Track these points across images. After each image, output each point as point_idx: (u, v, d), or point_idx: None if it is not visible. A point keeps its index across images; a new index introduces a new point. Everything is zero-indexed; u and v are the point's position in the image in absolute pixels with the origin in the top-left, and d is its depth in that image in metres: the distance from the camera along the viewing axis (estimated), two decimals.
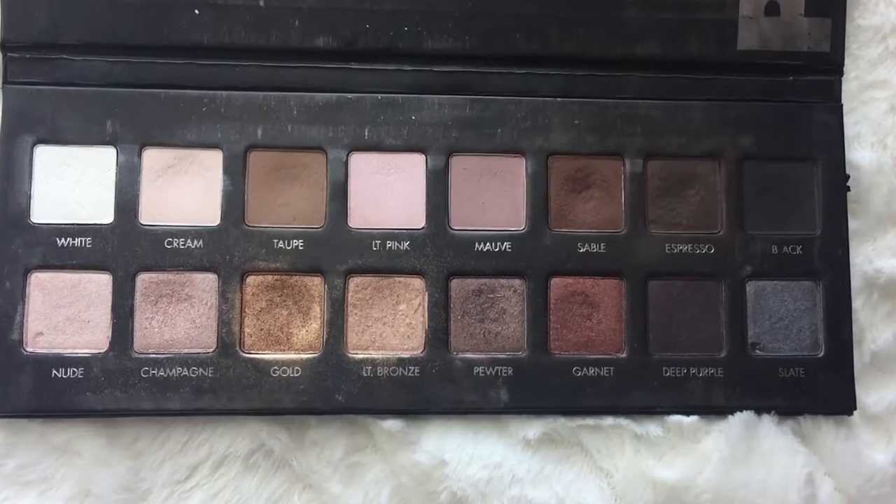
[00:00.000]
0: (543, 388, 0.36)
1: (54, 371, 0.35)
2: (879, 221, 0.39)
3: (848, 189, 0.38)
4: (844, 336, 0.37)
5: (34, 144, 0.35)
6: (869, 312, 0.38)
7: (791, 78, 0.38)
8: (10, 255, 0.35)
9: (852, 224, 0.38)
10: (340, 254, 0.36)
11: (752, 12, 0.38)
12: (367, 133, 0.37)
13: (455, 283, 0.36)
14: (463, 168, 0.37)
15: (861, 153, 0.39)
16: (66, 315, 0.35)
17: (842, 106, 0.38)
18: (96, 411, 0.35)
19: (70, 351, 0.35)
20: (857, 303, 0.38)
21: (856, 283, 0.38)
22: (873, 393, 0.38)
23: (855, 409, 0.37)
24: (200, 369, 0.35)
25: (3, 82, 0.36)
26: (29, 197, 0.35)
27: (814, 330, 0.37)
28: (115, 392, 0.35)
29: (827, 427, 0.37)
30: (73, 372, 0.35)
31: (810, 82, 0.38)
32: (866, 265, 0.38)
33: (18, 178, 0.35)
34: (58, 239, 0.35)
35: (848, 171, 0.38)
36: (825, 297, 0.37)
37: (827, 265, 0.37)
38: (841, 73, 0.38)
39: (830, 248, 0.37)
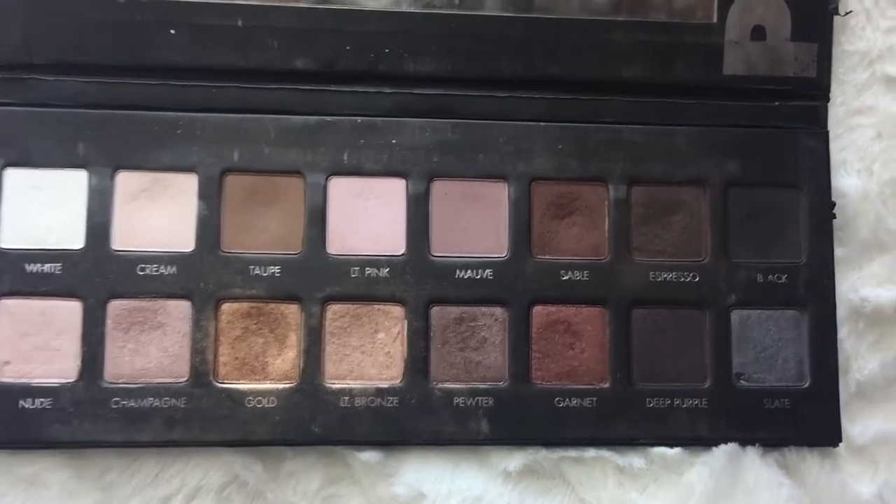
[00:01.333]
0: (525, 419, 0.35)
1: (21, 402, 0.34)
2: (865, 249, 0.38)
3: (834, 216, 0.37)
4: (830, 366, 0.37)
5: (3, 167, 0.35)
6: (855, 341, 0.38)
7: (777, 103, 0.38)
8: None
9: (838, 252, 0.38)
10: (318, 281, 0.35)
11: (738, 37, 0.37)
12: (346, 157, 0.36)
13: (435, 311, 0.36)
14: (444, 193, 0.36)
15: (847, 180, 0.38)
16: (34, 343, 0.34)
17: (828, 132, 0.38)
18: (65, 443, 0.34)
19: (38, 380, 0.34)
20: (843, 332, 0.38)
21: (841, 311, 0.38)
22: (859, 423, 0.38)
23: (840, 440, 0.37)
24: (173, 399, 0.34)
25: None
26: None
27: (799, 360, 0.37)
28: (84, 423, 0.34)
29: (812, 459, 0.37)
30: (41, 402, 0.34)
31: (796, 108, 0.38)
32: (852, 293, 0.38)
33: None
34: (26, 265, 0.34)
35: (834, 198, 0.38)
36: (811, 327, 0.37)
37: (812, 294, 0.37)
38: (827, 99, 0.38)
39: (816, 276, 0.37)
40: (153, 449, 0.35)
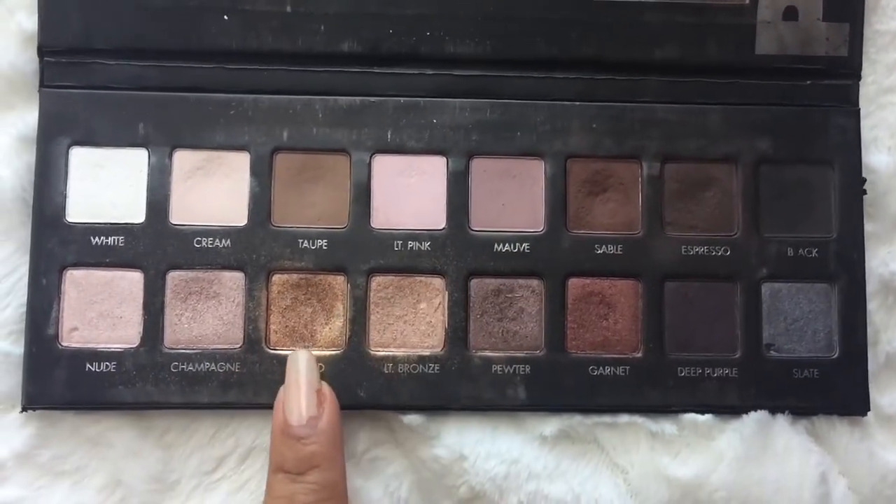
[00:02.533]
0: (560, 387, 0.37)
1: (88, 365, 0.36)
2: (895, 225, 0.39)
3: (864, 192, 0.38)
4: (859, 338, 0.37)
5: (69, 146, 0.37)
6: (884, 315, 0.39)
7: (809, 82, 0.38)
8: (46, 254, 0.36)
9: (868, 227, 0.38)
10: (363, 253, 0.37)
11: (771, 17, 0.38)
12: (389, 136, 0.37)
13: (474, 283, 0.37)
14: (483, 170, 0.38)
15: (878, 157, 0.39)
16: (99, 311, 0.36)
17: (859, 110, 0.38)
18: (128, 404, 0.36)
19: (103, 346, 0.36)
20: (873, 305, 0.38)
21: (871, 285, 0.38)
22: (888, 394, 0.38)
23: (868, 409, 0.37)
24: (228, 364, 0.36)
25: (41, 86, 0.37)
26: (64, 197, 0.36)
27: (828, 332, 0.37)
28: (146, 386, 0.36)
29: (841, 427, 0.38)
30: (106, 366, 0.36)
31: (828, 86, 0.38)
32: (882, 268, 0.39)
33: (54, 179, 0.36)
34: (92, 238, 0.36)
35: (865, 175, 0.38)
36: (840, 300, 0.37)
37: (842, 268, 0.37)
38: (859, 78, 0.39)
39: (846, 251, 0.38)
40: (210, 410, 0.36)
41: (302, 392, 0.33)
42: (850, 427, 0.38)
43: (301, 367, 0.33)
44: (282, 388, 0.34)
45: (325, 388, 0.33)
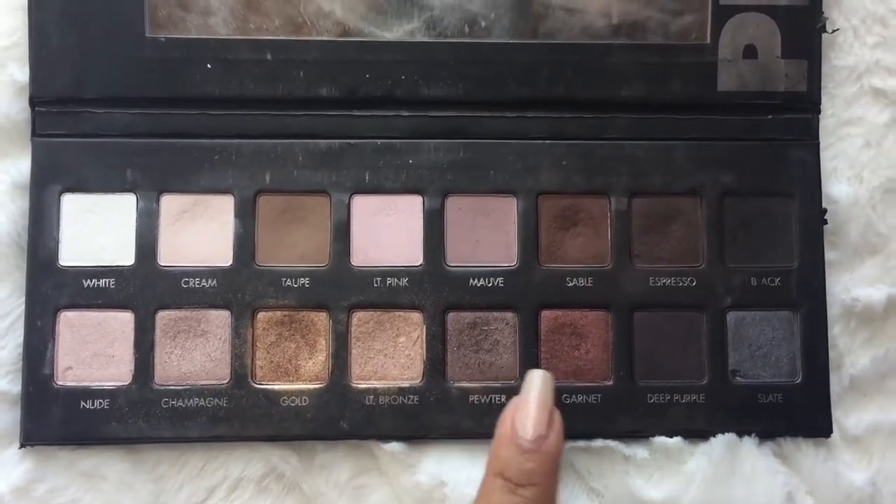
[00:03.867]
0: None
1: (82, 402, 0.37)
2: (856, 252, 0.40)
3: (825, 222, 0.40)
4: (821, 363, 0.39)
5: (61, 193, 0.38)
6: (847, 339, 0.40)
7: (770, 117, 0.40)
8: (41, 296, 0.37)
9: (830, 255, 0.40)
10: (344, 290, 0.38)
11: (731, 55, 0.39)
12: (367, 177, 0.39)
13: (451, 317, 0.39)
14: (458, 208, 0.39)
15: (838, 187, 0.40)
16: (92, 351, 0.38)
17: (819, 143, 0.40)
18: (121, 439, 0.37)
19: (96, 384, 0.37)
20: (836, 330, 0.40)
21: (835, 311, 0.40)
22: (853, 415, 0.40)
23: (831, 431, 0.39)
24: (216, 399, 0.38)
25: (32, 135, 0.38)
26: (57, 242, 0.38)
27: (791, 357, 0.39)
28: (138, 421, 0.37)
29: (806, 448, 0.39)
30: (100, 403, 0.37)
31: (788, 120, 0.40)
32: (844, 294, 0.40)
33: (47, 225, 0.38)
34: (84, 280, 0.38)
35: (825, 205, 0.40)
36: (802, 326, 0.39)
37: (804, 296, 0.39)
38: (818, 112, 0.40)
39: (807, 279, 0.39)
40: (199, 444, 0.38)
41: (535, 408, 0.33)
42: (816, 448, 0.39)
43: (538, 385, 0.34)
44: (514, 399, 0.34)
45: (557, 413, 0.34)
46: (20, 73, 0.39)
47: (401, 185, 0.39)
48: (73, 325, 0.38)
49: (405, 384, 0.38)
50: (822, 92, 0.40)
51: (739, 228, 0.39)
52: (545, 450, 0.33)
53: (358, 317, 0.38)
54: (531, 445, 0.32)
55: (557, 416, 0.34)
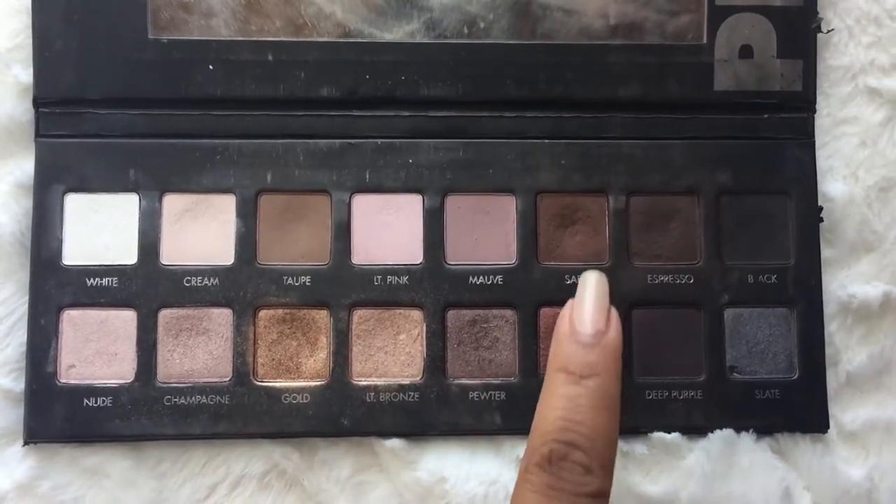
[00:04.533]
0: (535, 410, 0.38)
1: (85, 400, 0.38)
2: (852, 249, 0.41)
3: (821, 220, 0.40)
4: (817, 359, 0.39)
5: (64, 193, 0.38)
6: (844, 335, 0.40)
7: (766, 116, 0.40)
8: (44, 295, 0.38)
9: (827, 253, 0.40)
10: (344, 288, 0.39)
11: (727, 55, 0.40)
12: (368, 176, 0.39)
13: (451, 315, 0.39)
14: (457, 207, 0.39)
15: (834, 185, 0.41)
16: (95, 349, 0.38)
17: (814, 142, 0.40)
18: (124, 436, 0.38)
19: (99, 381, 0.38)
20: (833, 326, 0.40)
21: (831, 308, 0.40)
22: (850, 411, 0.40)
23: (828, 427, 0.39)
24: (218, 397, 0.38)
25: (36, 136, 0.39)
26: (60, 241, 0.38)
27: (788, 354, 0.39)
28: (141, 419, 0.38)
29: (804, 444, 0.39)
30: (103, 401, 0.38)
31: (784, 120, 0.40)
32: (840, 291, 0.40)
33: (51, 225, 0.38)
34: (87, 279, 0.38)
35: (821, 203, 0.40)
36: (799, 323, 0.39)
37: (800, 293, 0.39)
38: (813, 111, 0.40)
39: (804, 276, 0.39)
40: (201, 441, 0.38)
41: (592, 305, 0.34)
42: (813, 444, 0.39)
43: (593, 283, 0.34)
44: (570, 301, 0.34)
45: (614, 310, 0.34)
46: (24, 74, 0.39)
47: (401, 184, 0.39)
48: (76, 324, 0.38)
49: (405, 381, 0.38)
50: (818, 91, 0.41)
51: (736, 226, 0.40)
52: (606, 343, 0.33)
53: (359, 314, 0.39)
54: (591, 340, 0.33)
55: (615, 313, 0.34)
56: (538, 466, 0.31)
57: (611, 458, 0.32)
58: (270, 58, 0.39)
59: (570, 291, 0.38)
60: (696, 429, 0.39)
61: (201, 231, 0.39)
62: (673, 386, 0.39)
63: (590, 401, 0.32)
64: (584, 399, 0.32)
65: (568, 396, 0.32)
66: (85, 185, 0.39)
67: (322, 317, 0.39)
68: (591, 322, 0.33)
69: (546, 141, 0.40)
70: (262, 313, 0.38)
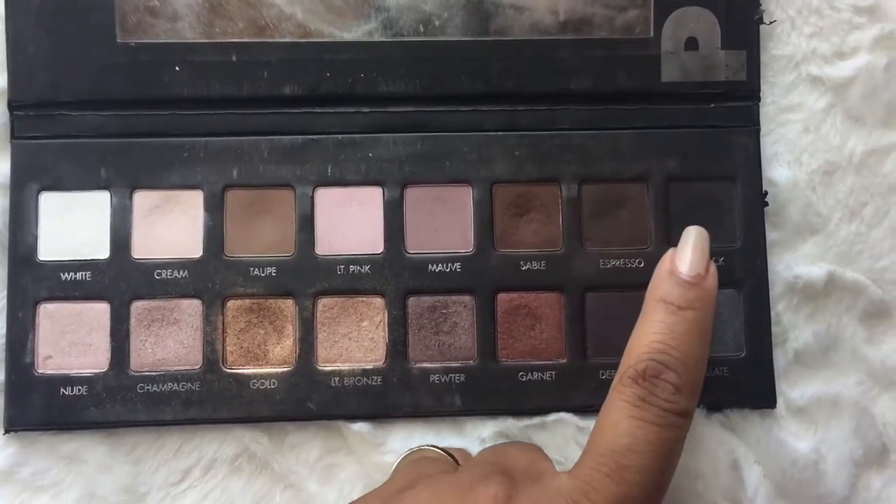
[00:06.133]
0: (493, 392, 0.40)
1: (62, 389, 0.39)
2: (797, 232, 0.42)
3: (766, 204, 0.42)
4: (764, 337, 0.41)
5: (39, 191, 0.40)
6: (791, 315, 0.42)
7: (712, 105, 0.42)
8: (21, 290, 0.39)
9: (773, 235, 0.42)
10: (309, 278, 0.40)
11: (673, 47, 0.41)
12: (330, 170, 0.41)
13: (412, 301, 0.40)
14: (416, 198, 0.41)
15: (779, 171, 0.42)
16: (71, 340, 0.39)
17: (759, 129, 0.42)
18: (99, 423, 0.39)
19: (75, 371, 0.39)
20: (780, 306, 0.42)
21: (778, 288, 0.42)
22: (798, 388, 0.42)
23: (776, 403, 0.41)
24: (189, 384, 0.39)
25: (11, 137, 0.40)
26: (36, 238, 0.40)
27: (736, 333, 0.41)
28: (116, 406, 0.39)
29: (753, 419, 0.41)
30: (79, 390, 0.39)
31: (730, 108, 0.42)
32: (787, 272, 0.42)
33: (26, 222, 0.40)
34: (62, 274, 0.39)
35: (767, 188, 0.42)
36: (746, 304, 0.41)
37: (747, 274, 0.41)
38: (758, 99, 0.42)
39: (750, 258, 0.41)
40: (175, 427, 0.39)
41: (692, 251, 0.35)
42: (762, 419, 0.41)
43: (694, 234, 0.36)
44: (670, 249, 0.36)
45: (713, 263, 0.35)
46: None
47: (362, 177, 0.41)
48: (52, 316, 0.39)
49: (369, 366, 0.40)
50: (762, 80, 0.42)
51: (685, 212, 0.41)
52: (704, 285, 0.35)
53: (323, 303, 0.40)
54: (691, 279, 0.34)
55: (713, 265, 0.35)
56: (632, 379, 0.33)
57: (699, 385, 0.34)
58: (234, 58, 0.40)
59: (526, 277, 0.41)
60: None
61: (170, 226, 0.40)
62: None
63: (686, 329, 0.34)
64: (680, 327, 0.34)
65: (666, 322, 0.34)
66: (59, 184, 0.40)
67: (288, 306, 0.40)
68: (691, 264, 0.35)
69: (500, 133, 0.41)
70: (231, 303, 0.40)
